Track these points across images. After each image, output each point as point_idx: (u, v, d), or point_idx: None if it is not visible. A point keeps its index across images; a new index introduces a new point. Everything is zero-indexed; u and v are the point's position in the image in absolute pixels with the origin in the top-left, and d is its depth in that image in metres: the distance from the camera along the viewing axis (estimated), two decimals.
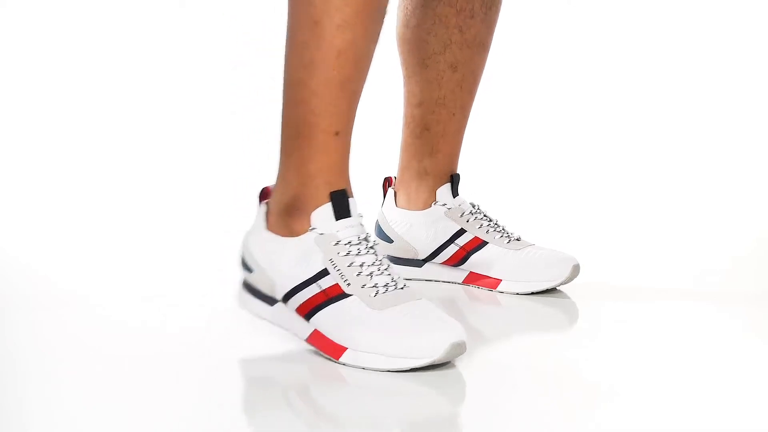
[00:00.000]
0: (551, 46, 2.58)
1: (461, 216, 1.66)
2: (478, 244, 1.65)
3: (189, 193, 2.29)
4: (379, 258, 1.28)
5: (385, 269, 1.27)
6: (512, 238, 1.65)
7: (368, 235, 1.30)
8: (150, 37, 2.51)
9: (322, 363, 1.28)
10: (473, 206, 1.68)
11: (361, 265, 1.26)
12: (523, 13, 2.51)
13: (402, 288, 1.26)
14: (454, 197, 1.67)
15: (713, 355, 1.36)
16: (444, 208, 1.67)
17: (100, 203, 2.23)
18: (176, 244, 1.99)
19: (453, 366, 1.26)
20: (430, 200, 1.68)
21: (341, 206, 1.28)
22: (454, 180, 1.67)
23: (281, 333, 1.40)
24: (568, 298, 1.61)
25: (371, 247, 1.28)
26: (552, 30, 2.57)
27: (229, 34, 2.42)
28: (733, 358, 1.34)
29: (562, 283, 1.61)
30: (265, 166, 2.18)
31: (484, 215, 1.68)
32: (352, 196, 1.30)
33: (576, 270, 1.60)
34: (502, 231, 1.66)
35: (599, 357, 1.36)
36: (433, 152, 1.67)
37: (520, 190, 2.34)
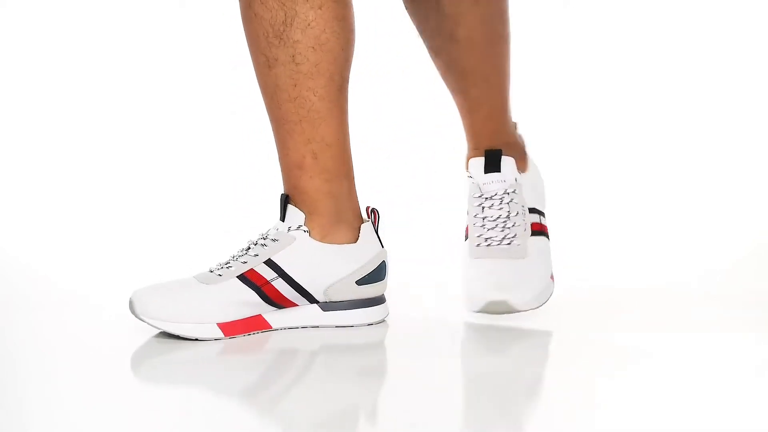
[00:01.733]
0: (550, 48, 2.58)
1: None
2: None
3: (189, 193, 2.29)
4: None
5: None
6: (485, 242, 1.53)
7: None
8: (150, 37, 2.51)
9: (320, 355, 1.29)
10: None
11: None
12: (520, 15, 2.50)
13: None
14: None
15: (714, 355, 1.36)
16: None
17: (100, 203, 2.22)
18: (176, 244, 1.99)
19: (451, 364, 1.26)
20: None
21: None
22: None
23: (283, 332, 1.41)
24: (569, 297, 1.61)
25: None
26: (550, 32, 2.57)
27: (229, 34, 2.41)
28: (734, 359, 1.34)
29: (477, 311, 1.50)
30: (265, 166, 2.18)
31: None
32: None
33: (491, 306, 1.46)
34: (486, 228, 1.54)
35: (599, 356, 1.36)
36: None
37: None
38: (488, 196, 1.51)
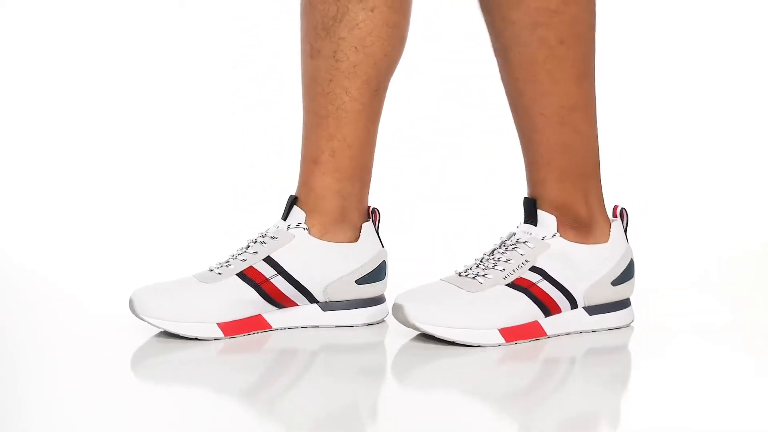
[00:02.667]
0: None
1: None
2: None
3: (189, 193, 2.28)
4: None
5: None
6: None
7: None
8: (150, 37, 2.51)
9: (320, 355, 1.29)
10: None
11: None
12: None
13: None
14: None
15: (714, 355, 1.36)
16: None
17: (100, 204, 2.22)
18: (176, 244, 1.99)
19: (450, 364, 1.26)
20: None
21: None
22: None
23: (283, 332, 1.41)
24: None
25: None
26: None
27: (229, 34, 2.41)
28: (734, 359, 1.34)
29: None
30: (265, 167, 2.18)
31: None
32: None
33: (393, 309, 1.36)
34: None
35: (596, 355, 1.36)
36: None
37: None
38: (507, 239, 1.42)
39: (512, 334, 1.36)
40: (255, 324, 1.40)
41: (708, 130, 2.40)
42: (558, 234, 1.41)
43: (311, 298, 1.43)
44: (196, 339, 1.37)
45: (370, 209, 1.48)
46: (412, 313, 1.33)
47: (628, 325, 1.44)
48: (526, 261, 1.39)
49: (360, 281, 1.45)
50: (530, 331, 1.37)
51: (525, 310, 1.37)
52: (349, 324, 1.44)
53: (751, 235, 2.02)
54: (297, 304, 1.43)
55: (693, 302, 1.62)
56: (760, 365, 1.32)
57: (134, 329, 1.40)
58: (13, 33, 2.49)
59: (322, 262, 1.43)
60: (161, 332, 1.39)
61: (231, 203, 2.24)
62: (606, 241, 1.43)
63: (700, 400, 1.18)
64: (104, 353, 1.34)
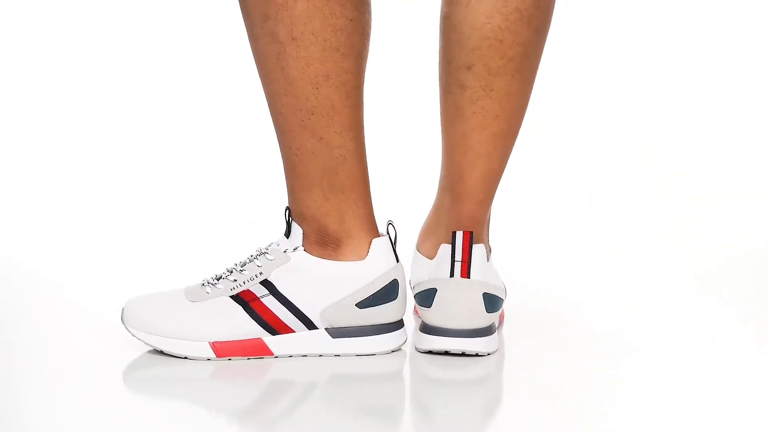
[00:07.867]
0: (549, 48, 2.56)
1: None
2: None
3: (189, 197, 2.29)
4: None
5: None
6: None
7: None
8: (150, 37, 2.51)
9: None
10: None
11: None
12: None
13: None
14: None
15: (712, 355, 1.37)
16: None
17: (101, 207, 2.23)
18: (177, 249, 1.99)
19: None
20: None
21: None
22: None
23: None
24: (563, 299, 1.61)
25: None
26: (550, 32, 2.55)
27: (229, 34, 2.40)
28: (733, 359, 1.35)
29: None
30: (266, 167, 2.17)
31: None
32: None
33: None
34: None
35: (593, 355, 1.36)
36: None
37: (518, 189, 2.34)
38: (264, 248, 1.39)
39: (225, 349, 1.32)
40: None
41: (709, 129, 2.41)
42: (302, 248, 1.33)
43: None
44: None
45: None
46: (129, 320, 1.32)
47: (388, 352, 1.34)
48: (260, 273, 1.32)
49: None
50: (250, 349, 1.32)
51: (242, 326, 1.32)
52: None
53: (751, 235, 2.03)
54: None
55: (693, 302, 1.63)
56: (760, 366, 1.33)
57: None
58: (13, 33, 2.48)
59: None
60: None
61: (231, 207, 2.23)
62: (361, 258, 1.33)
63: (699, 400, 1.19)
64: (97, 363, 1.33)
